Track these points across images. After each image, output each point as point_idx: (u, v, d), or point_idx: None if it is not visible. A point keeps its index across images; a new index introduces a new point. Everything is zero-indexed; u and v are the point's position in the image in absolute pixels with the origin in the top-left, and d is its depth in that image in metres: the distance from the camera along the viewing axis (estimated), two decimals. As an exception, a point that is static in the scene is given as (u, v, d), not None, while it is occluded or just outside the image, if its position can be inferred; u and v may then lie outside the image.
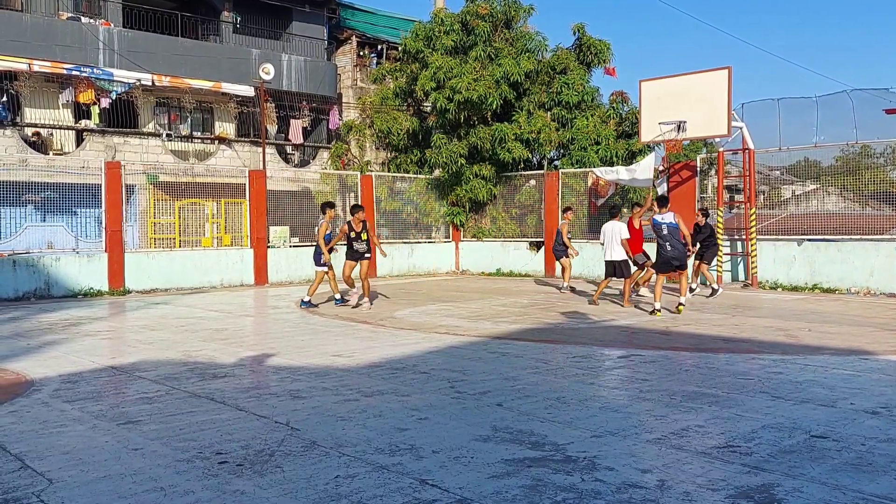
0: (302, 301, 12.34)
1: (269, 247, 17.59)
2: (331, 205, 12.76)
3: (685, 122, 14.72)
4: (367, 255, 12.12)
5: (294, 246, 18.51)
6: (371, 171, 21.85)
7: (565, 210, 15.57)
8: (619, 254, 11.99)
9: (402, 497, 3.57)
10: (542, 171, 19.65)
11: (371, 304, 12.23)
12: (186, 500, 3.58)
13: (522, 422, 4.92)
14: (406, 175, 21.29)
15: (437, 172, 20.81)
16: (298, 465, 4.06)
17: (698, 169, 16.05)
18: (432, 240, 21.43)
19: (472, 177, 19.87)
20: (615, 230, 12.03)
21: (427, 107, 21.86)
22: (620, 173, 17.48)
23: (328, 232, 12.43)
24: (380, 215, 20.25)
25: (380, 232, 20.19)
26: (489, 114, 19.84)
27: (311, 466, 4.04)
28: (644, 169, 16.74)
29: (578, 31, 20.64)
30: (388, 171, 22.03)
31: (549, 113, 19.97)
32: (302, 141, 26.08)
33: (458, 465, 4.04)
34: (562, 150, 20.40)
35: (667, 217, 10.88)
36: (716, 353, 7.62)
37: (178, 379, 6.52)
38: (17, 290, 14.14)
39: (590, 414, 5.14)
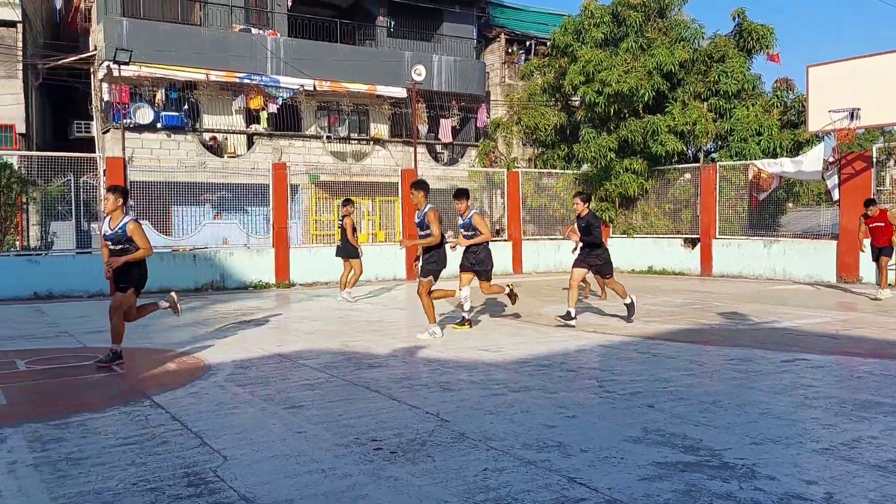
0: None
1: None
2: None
3: (859, 108, 13.60)
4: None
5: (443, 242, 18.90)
6: (518, 167, 21.88)
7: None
8: None
9: (550, 494, 3.59)
10: (697, 165, 18.84)
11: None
12: (345, 482, 3.79)
13: (675, 425, 4.78)
14: (553, 171, 21.13)
15: (585, 167, 20.50)
16: (448, 456, 4.18)
17: (874, 160, 14.75)
18: (580, 236, 21.12)
19: (622, 171, 19.39)
20: None
21: (575, 101, 21.60)
22: (785, 165, 16.40)
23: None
24: (526, 211, 20.25)
25: (526, 228, 20.20)
26: (640, 106, 19.27)
27: (461, 458, 4.15)
28: (812, 160, 15.62)
29: (738, 16, 19.60)
30: (535, 167, 21.97)
31: (705, 103, 19.13)
32: (451, 139, 26.61)
33: (608, 465, 4.00)
34: (719, 142, 19.51)
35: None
36: (893, 360, 7.00)
37: (336, 367, 6.88)
38: (197, 282, 15.47)
39: (749, 420, 4.90)
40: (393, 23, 26.44)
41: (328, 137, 24.26)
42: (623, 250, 20.39)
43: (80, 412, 5.30)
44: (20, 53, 21.66)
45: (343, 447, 4.37)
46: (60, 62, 21.90)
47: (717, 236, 17.81)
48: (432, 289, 8.76)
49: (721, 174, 17.91)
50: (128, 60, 18.71)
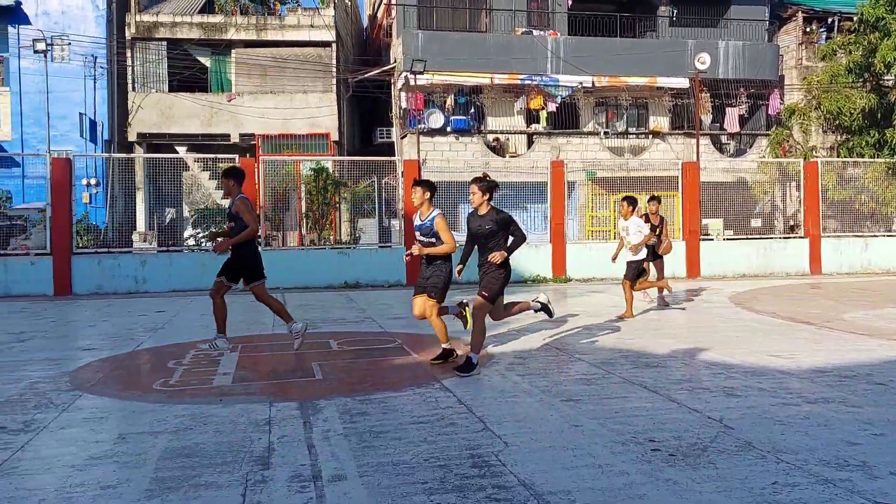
0: None
1: (702, 239, 17.27)
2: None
3: None
4: None
5: (728, 239, 17.87)
6: (816, 156, 19.87)
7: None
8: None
9: (850, 516, 3.28)
10: None
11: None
12: (621, 480, 3.80)
13: None
14: (860, 160, 18.87)
15: (901, 155, 18.05)
16: (733, 465, 4.00)
17: None
18: (893, 233, 18.64)
19: (950, 159, 16.75)
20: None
21: (888, 81, 19.08)
22: None
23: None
24: (826, 206, 18.32)
25: (826, 224, 18.27)
26: (977, 81, 16.44)
27: (747, 468, 3.94)
28: None
29: None
30: (838, 156, 19.78)
31: None
32: (738, 129, 24.95)
33: (924, 494, 3.54)
34: None
35: None
36: None
37: (612, 364, 6.88)
38: (479, 276, 16.36)
39: None
40: (675, 11, 25.48)
41: (606, 133, 24.11)
42: (951, 250, 17.62)
43: (382, 390, 5.95)
44: (334, 70, 24.61)
45: (619, 444, 4.38)
46: (366, 75, 24.48)
47: None
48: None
49: None
50: (422, 70, 20.33)
